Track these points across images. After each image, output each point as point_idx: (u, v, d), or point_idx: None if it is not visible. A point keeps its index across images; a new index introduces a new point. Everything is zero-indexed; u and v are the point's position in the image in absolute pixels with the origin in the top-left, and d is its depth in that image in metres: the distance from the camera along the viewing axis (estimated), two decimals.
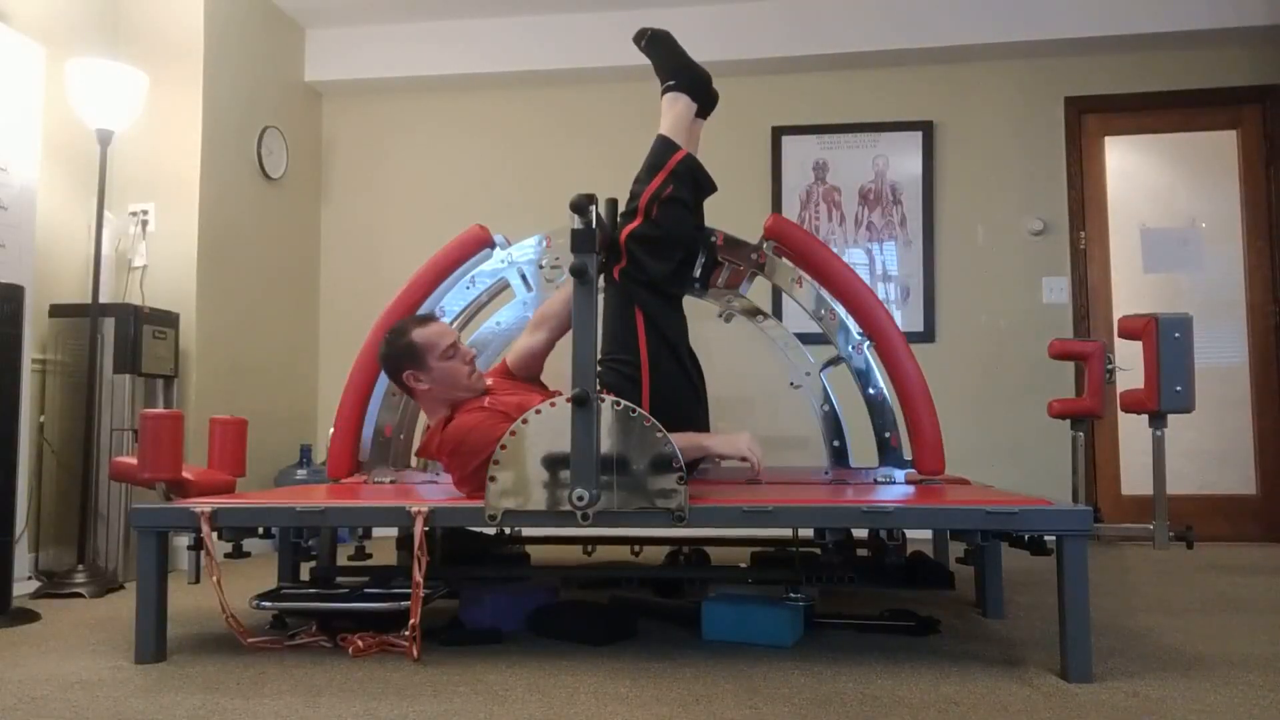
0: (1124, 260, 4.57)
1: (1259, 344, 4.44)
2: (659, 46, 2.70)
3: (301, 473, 4.28)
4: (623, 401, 2.09)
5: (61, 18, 3.68)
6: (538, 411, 2.09)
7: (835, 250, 4.15)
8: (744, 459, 2.29)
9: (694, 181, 2.60)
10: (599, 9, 4.64)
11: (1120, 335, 2.96)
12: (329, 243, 5.03)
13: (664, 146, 2.60)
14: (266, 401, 4.42)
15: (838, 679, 1.98)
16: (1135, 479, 4.44)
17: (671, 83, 2.66)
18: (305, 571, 2.77)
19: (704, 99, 2.67)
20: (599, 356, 2.49)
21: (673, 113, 2.64)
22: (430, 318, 2.56)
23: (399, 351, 2.42)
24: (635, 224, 2.53)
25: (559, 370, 2.81)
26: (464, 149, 4.97)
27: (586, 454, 2.03)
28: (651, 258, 2.52)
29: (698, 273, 2.85)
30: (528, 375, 2.68)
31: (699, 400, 2.64)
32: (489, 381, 2.55)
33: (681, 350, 2.58)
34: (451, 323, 3.00)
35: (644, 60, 2.75)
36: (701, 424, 2.63)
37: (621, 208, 2.62)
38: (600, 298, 2.39)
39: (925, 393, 2.71)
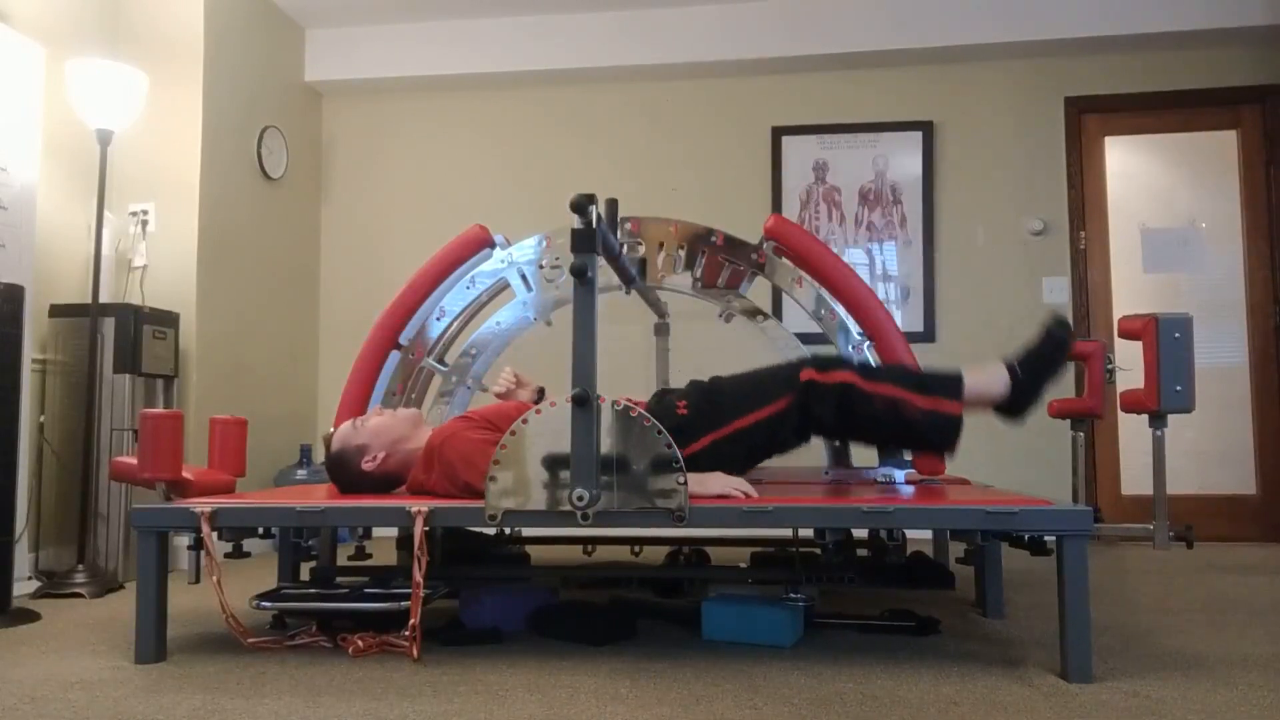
0: (1124, 260, 4.57)
1: (1259, 344, 4.44)
2: (1051, 348, 2.40)
3: (301, 473, 4.28)
4: (622, 401, 2.09)
5: (61, 18, 3.68)
6: (537, 412, 2.09)
7: (835, 250, 4.15)
8: (721, 497, 2.18)
9: (936, 440, 2.39)
10: (599, 9, 4.63)
11: (1120, 335, 2.96)
12: (329, 243, 5.03)
13: (955, 389, 2.33)
14: (266, 401, 4.42)
15: (838, 679, 1.98)
16: (1135, 479, 4.44)
17: (1017, 371, 2.37)
18: (305, 571, 2.77)
19: (1015, 409, 2.40)
20: (719, 379, 2.49)
21: (988, 382, 2.37)
22: (329, 435, 2.56)
23: (341, 465, 2.47)
24: (861, 386, 2.33)
25: (560, 370, 2.81)
26: (464, 149, 4.98)
27: (586, 454, 2.03)
28: (832, 411, 2.35)
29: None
30: None
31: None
32: (416, 412, 2.60)
33: (758, 455, 2.46)
34: (451, 323, 3.01)
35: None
36: None
37: (871, 353, 2.49)
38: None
39: None
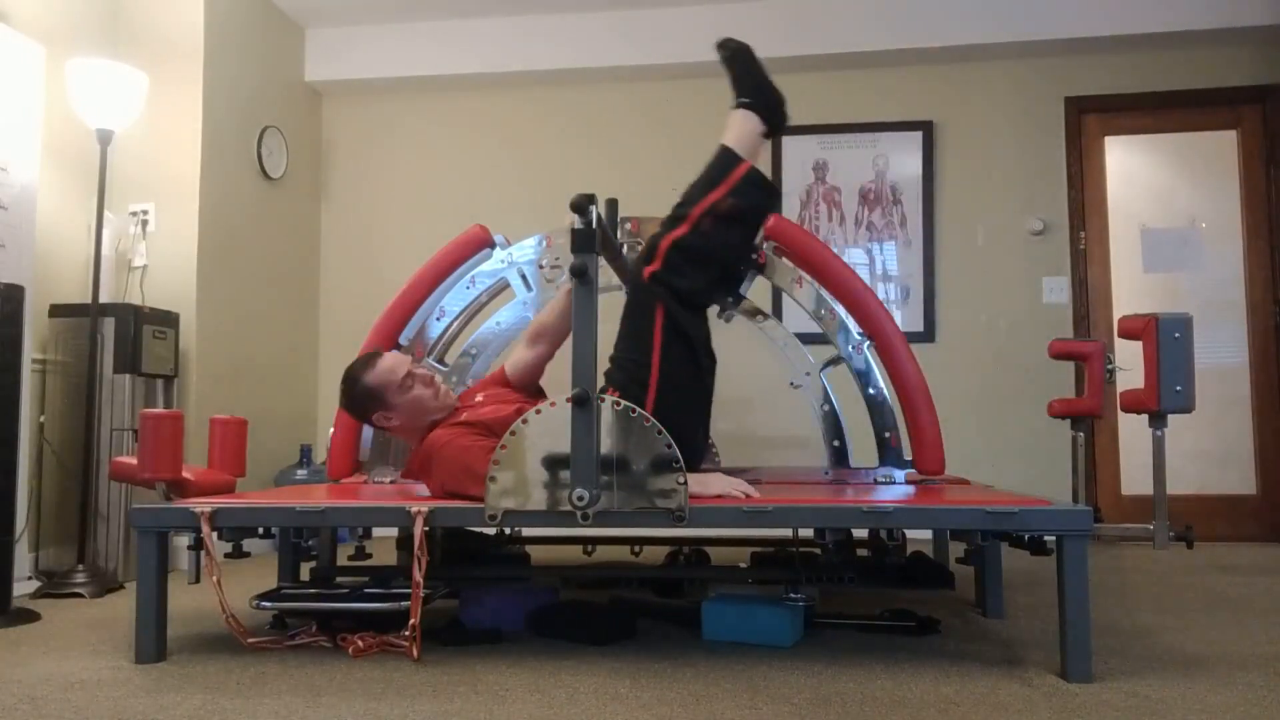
0: (1124, 260, 4.57)
1: (1259, 344, 4.44)
2: (740, 61, 2.64)
3: (301, 473, 4.28)
4: (622, 401, 2.09)
5: (61, 18, 3.68)
6: (538, 412, 2.09)
7: (835, 250, 4.15)
8: (721, 497, 2.20)
9: (757, 197, 2.53)
10: (599, 9, 4.63)
11: (1120, 335, 2.96)
12: (329, 243, 5.03)
13: (728, 159, 2.51)
14: (266, 401, 4.42)
15: (838, 679, 1.98)
16: (1135, 479, 4.44)
17: (746, 100, 2.59)
18: (305, 571, 2.78)
19: (775, 121, 2.61)
20: (612, 354, 2.49)
21: (741, 128, 2.57)
22: (377, 355, 2.49)
23: (358, 398, 2.44)
24: (681, 232, 2.46)
25: (559, 373, 2.81)
26: (464, 149, 4.98)
27: (586, 454, 2.03)
28: (689, 269, 2.45)
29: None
30: (524, 385, 2.69)
31: (704, 412, 2.61)
32: (455, 397, 2.56)
33: (700, 357, 2.51)
34: (451, 323, 3.00)
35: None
36: (699, 439, 2.60)
37: (669, 212, 2.54)
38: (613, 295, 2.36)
39: (925, 392, 2.71)
